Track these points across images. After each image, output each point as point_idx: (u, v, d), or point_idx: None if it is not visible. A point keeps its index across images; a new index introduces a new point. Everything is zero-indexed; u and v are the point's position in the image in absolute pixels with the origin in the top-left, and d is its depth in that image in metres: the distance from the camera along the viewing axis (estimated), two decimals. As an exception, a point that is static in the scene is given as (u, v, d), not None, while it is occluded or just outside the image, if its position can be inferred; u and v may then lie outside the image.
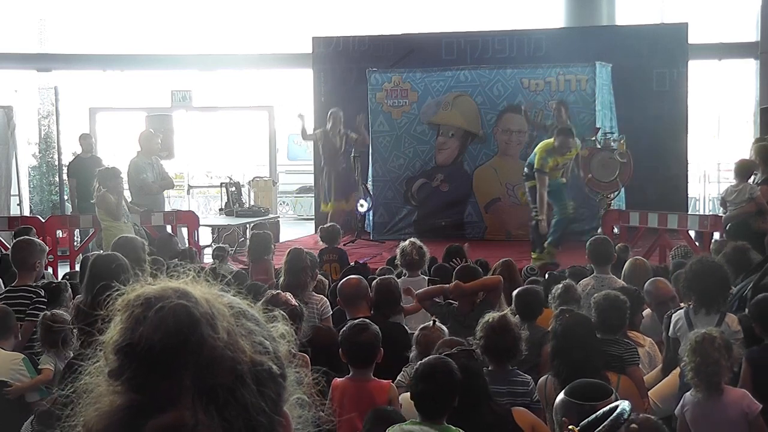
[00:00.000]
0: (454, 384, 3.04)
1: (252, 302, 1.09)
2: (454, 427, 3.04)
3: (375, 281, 5.01)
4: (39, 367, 4.49)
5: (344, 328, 3.91)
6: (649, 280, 5.28)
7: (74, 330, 4.09)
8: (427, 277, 5.82)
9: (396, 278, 5.39)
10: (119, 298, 1.02)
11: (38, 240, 5.84)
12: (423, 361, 3.17)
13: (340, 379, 3.78)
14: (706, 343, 3.57)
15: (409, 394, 3.19)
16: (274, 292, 4.29)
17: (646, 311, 5.14)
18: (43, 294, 5.15)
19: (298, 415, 1.07)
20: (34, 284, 5.25)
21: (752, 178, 8.11)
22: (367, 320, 3.98)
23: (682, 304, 4.76)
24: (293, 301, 4.11)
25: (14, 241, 5.97)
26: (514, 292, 4.91)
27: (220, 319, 0.99)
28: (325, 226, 8.07)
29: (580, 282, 5.68)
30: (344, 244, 8.69)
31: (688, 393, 3.68)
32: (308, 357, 3.86)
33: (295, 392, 1.07)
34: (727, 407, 3.56)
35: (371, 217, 11.28)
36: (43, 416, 3.73)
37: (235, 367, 0.97)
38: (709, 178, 16.72)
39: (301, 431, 1.08)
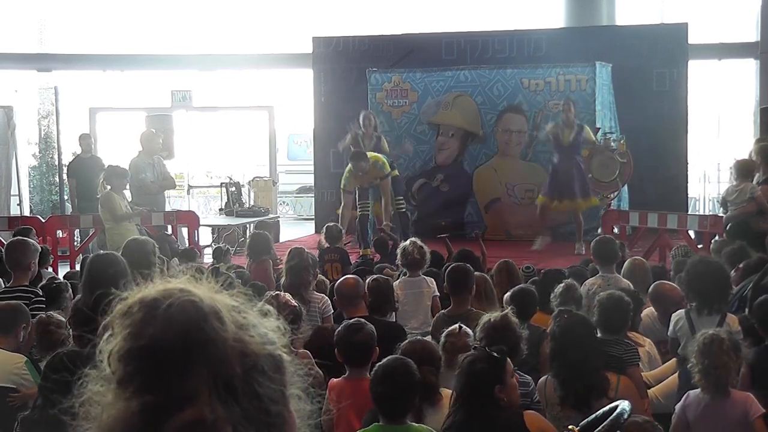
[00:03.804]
0: (413, 384, 3.09)
1: (254, 300, 1.10)
2: (416, 425, 3.06)
3: (368, 281, 5.01)
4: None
5: (339, 328, 3.90)
6: (653, 284, 5.26)
7: (70, 332, 4.04)
8: (427, 278, 5.82)
9: (386, 276, 5.39)
10: (118, 304, 1.01)
11: (31, 240, 5.79)
12: (381, 362, 3.20)
13: (337, 379, 3.78)
14: (714, 346, 3.54)
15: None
16: (273, 293, 4.28)
17: (646, 311, 5.13)
18: (41, 294, 5.11)
19: (296, 407, 1.08)
20: (31, 285, 5.22)
21: (755, 177, 8.12)
22: (363, 320, 3.97)
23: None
24: (293, 302, 4.11)
25: (8, 242, 5.92)
26: (509, 292, 4.91)
27: (226, 313, 0.99)
28: (329, 225, 8.06)
29: (586, 281, 5.67)
30: (344, 244, 8.69)
31: (692, 392, 3.66)
32: (311, 354, 3.87)
33: (294, 385, 1.08)
34: (731, 409, 3.55)
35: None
36: (26, 422, 3.53)
37: (246, 357, 0.97)
38: (709, 178, 16.72)
39: (299, 423, 1.09)
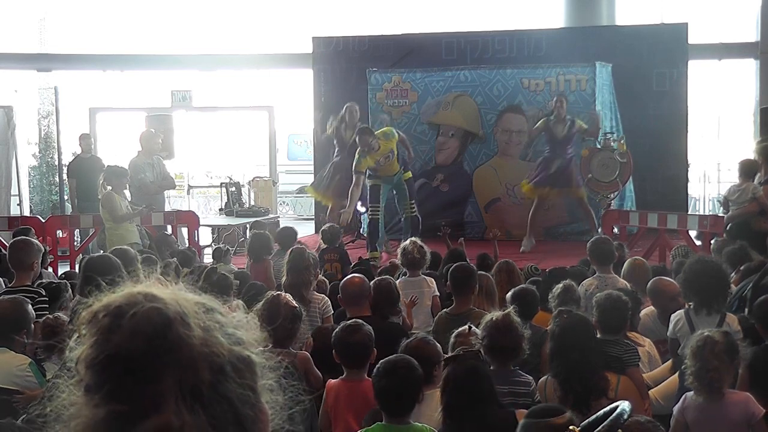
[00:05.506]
0: (416, 380, 3.07)
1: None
2: (419, 424, 3.04)
3: (373, 281, 5.01)
4: (48, 377, 4.08)
5: (337, 329, 3.89)
6: (652, 279, 5.26)
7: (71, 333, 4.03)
8: (427, 277, 5.82)
9: (393, 278, 5.38)
10: (83, 311, 1.00)
11: (35, 240, 5.78)
12: (385, 359, 3.18)
13: (334, 380, 3.78)
14: (706, 349, 3.52)
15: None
16: (274, 293, 4.28)
17: (645, 311, 5.13)
18: (44, 294, 5.11)
19: (268, 399, 1.08)
20: (34, 284, 5.22)
21: (756, 177, 8.12)
22: (360, 321, 3.96)
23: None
24: (293, 303, 4.11)
25: (11, 241, 5.93)
26: (510, 292, 4.90)
27: (192, 317, 0.99)
28: (325, 227, 8.08)
29: (583, 282, 5.66)
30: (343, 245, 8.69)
31: (690, 394, 3.65)
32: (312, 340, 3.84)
33: (264, 377, 1.07)
34: (730, 411, 3.52)
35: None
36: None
37: (214, 361, 0.97)
38: (709, 178, 16.72)
39: (274, 416, 1.09)
